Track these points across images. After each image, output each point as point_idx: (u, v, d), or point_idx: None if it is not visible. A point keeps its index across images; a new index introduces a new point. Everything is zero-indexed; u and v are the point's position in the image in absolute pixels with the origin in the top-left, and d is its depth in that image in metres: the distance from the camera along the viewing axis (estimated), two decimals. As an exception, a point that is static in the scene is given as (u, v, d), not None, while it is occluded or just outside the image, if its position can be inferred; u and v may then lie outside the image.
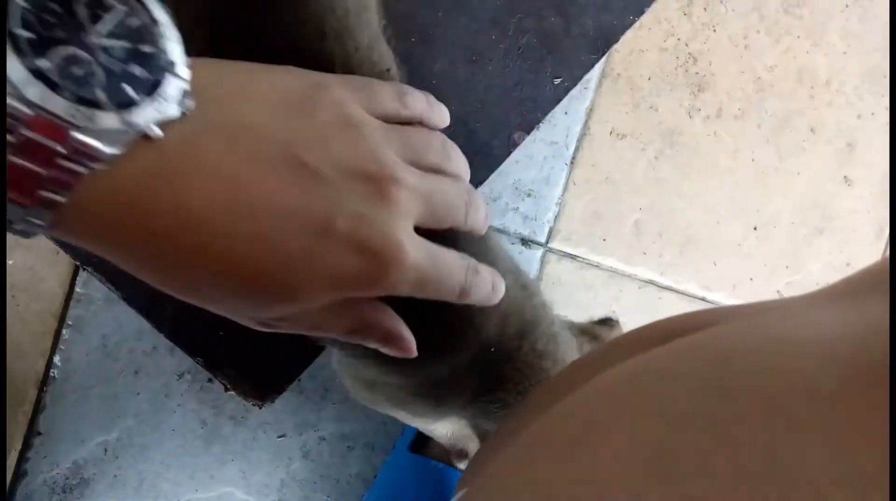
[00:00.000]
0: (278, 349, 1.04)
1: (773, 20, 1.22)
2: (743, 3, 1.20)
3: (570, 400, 0.41)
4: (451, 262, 0.44)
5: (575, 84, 1.13)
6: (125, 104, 0.31)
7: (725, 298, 1.26)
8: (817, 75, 1.24)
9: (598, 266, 1.22)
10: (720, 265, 1.25)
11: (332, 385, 1.12)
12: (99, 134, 0.30)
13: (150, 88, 0.32)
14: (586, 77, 1.17)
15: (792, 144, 1.25)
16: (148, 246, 0.34)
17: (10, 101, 0.28)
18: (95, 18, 0.31)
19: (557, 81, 1.12)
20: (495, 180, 1.18)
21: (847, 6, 1.23)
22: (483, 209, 0.49)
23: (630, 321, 1.18)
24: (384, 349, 0.46)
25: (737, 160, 1.24)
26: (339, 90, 0.40)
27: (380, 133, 0.41)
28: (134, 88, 0.32)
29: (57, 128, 0.29)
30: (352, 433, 1.13)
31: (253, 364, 1.03)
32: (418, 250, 0.39)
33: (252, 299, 0.37)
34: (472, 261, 0.47)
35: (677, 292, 1.24)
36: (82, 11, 0.30)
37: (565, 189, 1.21)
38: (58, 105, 0.29)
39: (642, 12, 1.13)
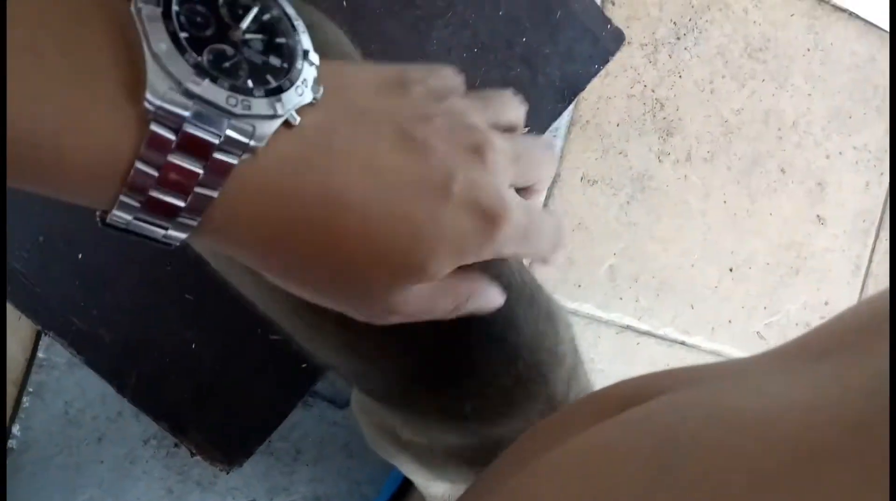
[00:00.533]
0: (247, 409, 1.02)
1: (737, 65, 1.25)
2: (707, 49, 1.23)
3: (521, 477, 0.40)
4: (544, 216, 0.47)
5: (543, 132, 1.14)
6: (273, 92, 0.33)
7: (704, 341, 1.26)
8: (784, 117, 1.27)
9: (574, 313, 1.21)
10: (698, 308, 1.25)
11: (305, 445, 1.10)
12: (249, 122, 0.32)
13: (288, 75, 0.35)
14: (555, 125, 1.18)
15: (763, 185, 1.27)
16: (293, 235, 0.36)
17: (171, 99, 0.30)
18: (236, 17, 0.34)
19: (526, 129, 1.13)
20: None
21: (809, 50, 1.26)
22: (555, 162, 0.53)
23: (609, 368, 1.17)
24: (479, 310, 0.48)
25: (709, 203, 1.25)
26: (414, 73, 0.44)
27: (466, 101, 0.44)
28: (275, 77, 0.34)
29: (214, 120, 0.31)
30: (326, 495, 1.10)
31: (220, 427, 1.01)
32: (519, 206, 0.42)
33: (385, 277, 0.38)
34: (559, 216, 0.53)
35: (656, 336, 1.24)
36: (225, 12, 0.34)
37: (538, 236, 1.21)
38: (219, 95, 0.31)
39: (607, 61, 1.15)
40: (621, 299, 1.22)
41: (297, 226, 0.35)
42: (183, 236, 0.34)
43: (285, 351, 0.97)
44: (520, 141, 0.47)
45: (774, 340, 1.27)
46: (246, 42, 0.34)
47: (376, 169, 0.37)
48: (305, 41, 0.36)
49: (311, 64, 0.36)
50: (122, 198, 0.31)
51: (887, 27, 1.28)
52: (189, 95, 0.31)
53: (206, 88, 0.31)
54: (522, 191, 0.49)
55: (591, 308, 1.21)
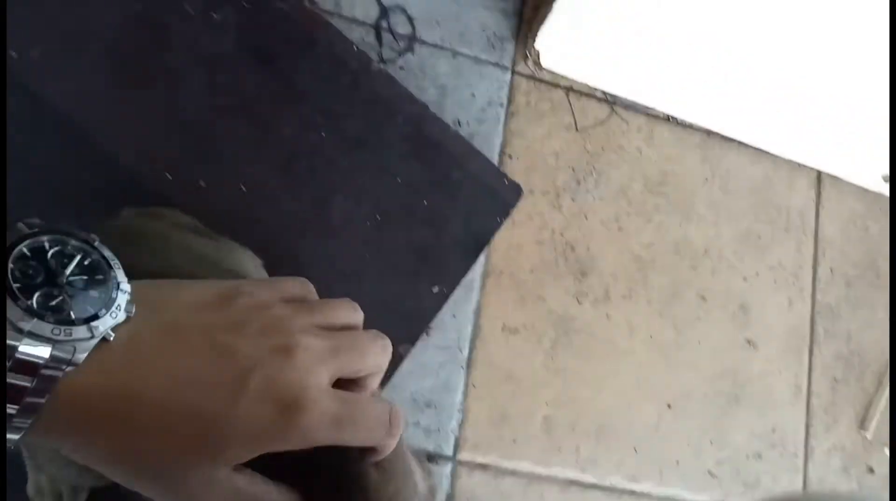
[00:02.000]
0: None
1: (640, 201, 1.31)
2: (608, 190, 1.30)
3: None
4: (367, 404, 0.54)
5: (453, 289, 1.17)
6: (91, 318, 0.44)
7: (654, 486, 1.23)
8: (694, 246, 1.32)
9: (513, 473, 1.18)
10: (641, 452, 1.23)
11: None
12: (71, 344, 0.42)
13: (107, 303, 0.45)
14: (468, 278, 1.22)
15: (686, 315, 1.30)
16: (103, 430, 0.44)
17: (8, 333, 0.40)
18: (62, 265, 0.46)
19: (436, 289, 1.16)
20: (390, 395, 1.17)
21: (707, 180, 1.34)
22: (390, 348, 0.63)
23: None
24: None
25: (634, 340, 1.27)
26: (249, 287, 0.53)
27: (287, 309, 0.53)
28: (94, 306, 0.45)
29: (41, 347, 0.41)
30: None
31: None
32: (329, 397, 0.49)
33: (180, 466, 0.45)
34: (392, 404, 0.60)
35: (603, 488, 1.21)
36: (53, 262, 0.45)
37: (466, 393, 1.21)
38: (44, 329, 0.42)
39: (508, 213, 1.21)
40: (560, 450, 1.20)
41: (106, 422, 0.44)
42: (16, 437, 0.42)
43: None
44: (343, 336, 0.56)
45: (728, 477, 1.25)
46: (70, 283, 0.45)
47: (177, 371, 0.45)
48: (119, 275, 0.48)
49: (124, 292, 0.47)
50: None
51: (776, 151, 1.37)
52: (20, 331, 0.41)
53: (34, 325, 0.41)
54: (352, 383, 0.56)
55: (529, 465, 1.19)
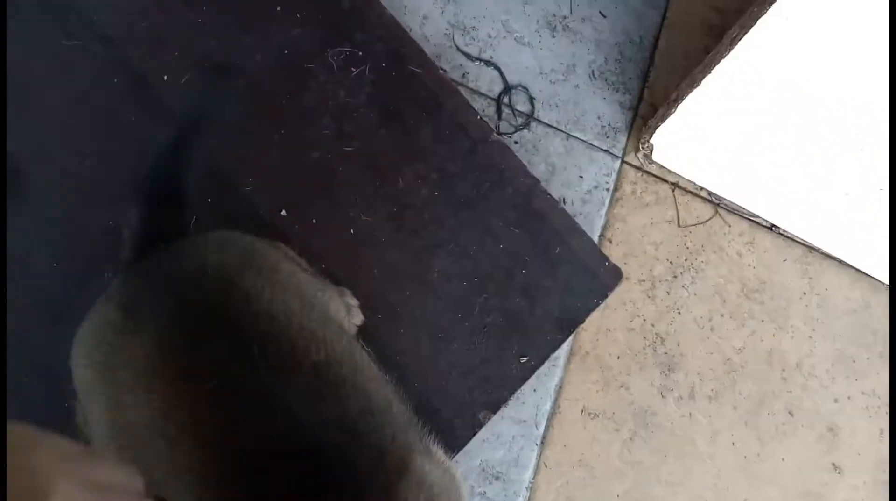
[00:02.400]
0: None
1: (735, 304, 1.29)
2: (704, 287, 1.29)
3: None
4: None
5: (542, 363, 1.16)
6: None
7: None
8: (786, 358, 1.28)
9: (575, 563, 1.13)
10: (711, 564, 1.17)
11: None
12: None
13: None
14: (554, 355, 1.20)
15: (771, 427, 1.25)
16: None
17: None
18: None
19: (524, 359, 1.16)
20: (461, 461, 1.15)
21: (805, 293, 1.32)
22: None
23: None
24: None
25: (716, 444, 1.23)
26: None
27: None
28: None
29: None
30: None
31: None
32: None
33: None
34: None
35: None
36: None
37: (536, 472, 1.17)
38: None
39: (606, 296, 1.20)
40: (627, 548, 1.15)
41: None
42: None
43: None
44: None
45: None
46: None
47: None
48: None
49: None
50: None
51: (878, 275, 1.34)
52: None
53: None
54: None
55: (593, 557, 1.14)
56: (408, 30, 1.27)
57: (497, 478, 1.17)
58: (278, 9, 1.18)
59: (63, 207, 1.04)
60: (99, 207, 1.06)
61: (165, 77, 1.12)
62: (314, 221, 1.15)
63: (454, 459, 1.15)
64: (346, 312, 1.12)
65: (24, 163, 1.04)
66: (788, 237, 1.36)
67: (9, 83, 1.07)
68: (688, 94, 1.21)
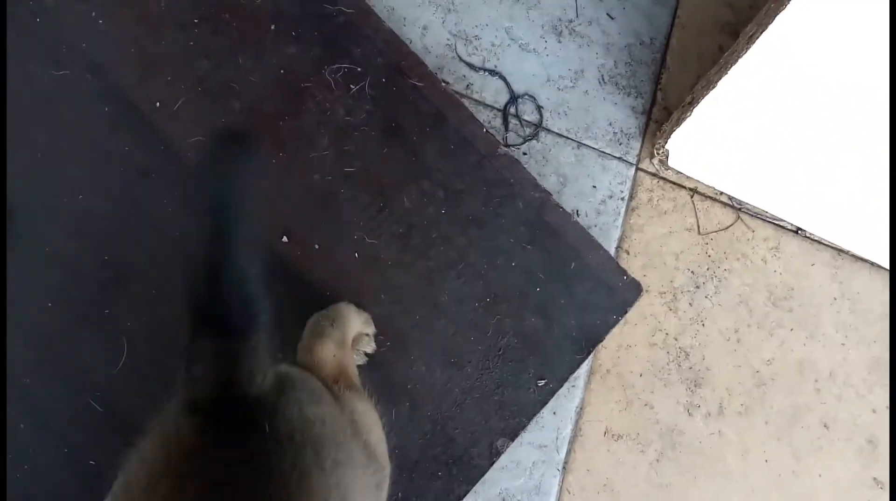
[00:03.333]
0: None
1: (762, 313, 1.22)
2: (729, 297, 1.21)
3: None
4: None
5: (561, 385, 1.10)
6: None
7: None
8: (819, 368, 1.21)
9: None
10: None
11: None
12: None
13: None
14: (574, 375, 1.14)
15: (806, 442, 1.17)
16: None
17: None
18: None
19: (542, 382, 1.09)
20: (479, 490, 1.09)
21: (836, 299, 1.24)
22: None
23: None
24: None
25: (748, 462, 1.15)
26: None
27: None
28: None
29: None
30: None
31: None
32: None
33: None
34: None
35: None
36: None
37: (559, 499, 1.11)
38: None
39: (625, 311, 1.14)
40: (658, 577, 1.08)
41: None
42: None
43: None
44: None
45: None
46: None
47: None
48: None
49: None
50: None
51: (914, 277, 1.26)
52: None
53: None
54: None
55: (623, 588, 1.07)
56: (407, 42, 1.21)
57: (519, 507, 1.10)
58: (272, 27, 1.13)
59: (56, 243, 1.00)
60: (93, 242, 1.01)
61: (158, 104, 1.07)
62: (317, 246, 1.09)
63: (473, 490, 1.08)
64: (360, 340, 1.05)
65: (17, 199, 1.00)
66: (816, 241, 1.28)
67: (-2, 118, 1.02)
68: (703, 96, 1.13)
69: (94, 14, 1.07)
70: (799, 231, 1.28)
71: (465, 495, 1.04)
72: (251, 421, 0.65)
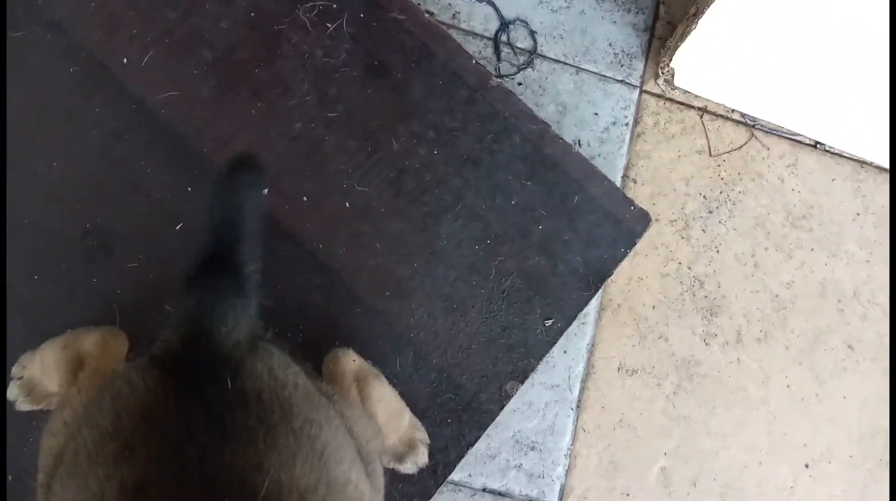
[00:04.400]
0: None
1: (780, 235, 1.14)
2: (743, 220, 1.14)
3: None
4: None
5: (569, 324, 1.05)
6: None
7: (787, 559, 1.05)
8: (842, 288, 1.14)
9: (624, 529, 1.04)
10: (773, 518, 1.06)
11: None
12: None
13: None
14: (583, 312, 1.08)
15: (830, 364, 1.11)
16: None
17: None
18: None
19: (550, 322, 1.04)
20: (492, 434, 1.05)
21: (858, 214, 1.16)
22: None
23: None
24: None
25: (769, 389, 1.10)
26: None
27: None
28: None
29: None
30: None
31: None
32: None
33: None
34: None
35: (726, 555, 1.04)
36: None
37: (574, 438, 1.07)
38: None
39: (634, 243, 1.07)
40: (679, 509, 1.05)
41: None
42: None
43: None
44: None
45: (875, 554, 1.06)
46: None
47: None
48: None
49: None
50: None
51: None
52: None
53: None
54: None
55: (643, 523, 1.04)
56: (386, -27, 1.12)
57: (532, 448, 1.07)
58: (240, -33, 1.04)
59: (35, 214, 0.95)
60: (74, 211, 0.96)
61: (125, 60, 1.00)
62: (305, 198, 1.03)
63: (485, 433, 1.04)
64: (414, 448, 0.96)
65: None
66: (836, 154, 1.19)
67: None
68: (709, 4, 1.03)
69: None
70: (817, 145, 1.19)
71: (476, 440, 1.00)
72: (215, 376, 0.62)
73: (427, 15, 1.11)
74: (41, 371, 0.85)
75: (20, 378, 0.87)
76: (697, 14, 1.07)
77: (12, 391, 0.86)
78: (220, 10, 1.03)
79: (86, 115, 0.97)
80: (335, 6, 1.05)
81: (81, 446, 0.60)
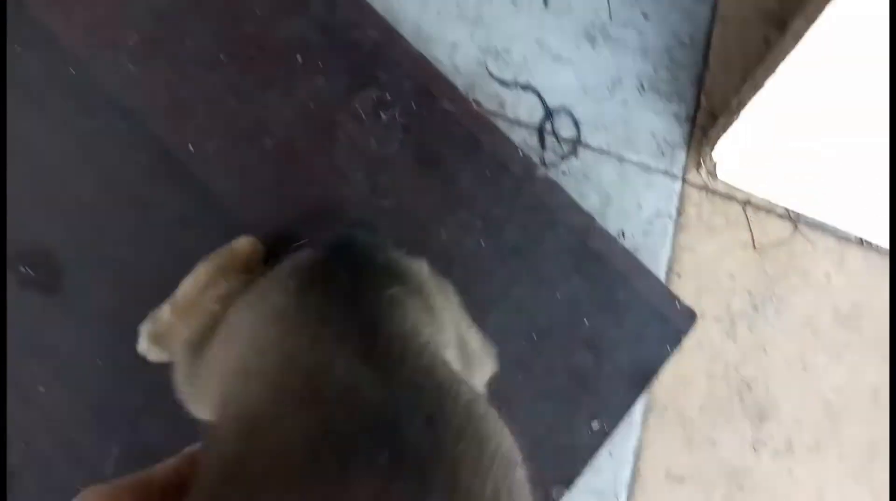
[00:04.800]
0: None
1: (828, 336, 1.10)
2: (790, 319, 1.10)
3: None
4: None
5: (615, 425, 0.99)
6: None
7: None
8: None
9: None
10: None
11: None
12: None
13: None
14: (628, 412, 1.03)
15: (885, 479, 1.05)
16: None
17: None
18: None
19: (595, 423, 0.99)
20: (534, 544, 0.98)
21: (909, 316, 1.11)
22: None
23: None
24: None
25: (823, 502, 1.04)
26: None
27: None
28: None
29: None
30: None
31: None
32: None
33: None
34: None
35: None
36: None
37: (620, 550, 1.00)
38: None
39: (679, 341, 1.03)
40: None
41: None
42: None
43: None
44: None
45: None
46: None
47: None
48: None
49: None
50: None
51: None
52: None
53: None
54: None
55: None
56: (436, 62, 1.11)
57: (576, 559, 1.00)
58: (299, 59, 1.03)
59: (103, 300, 0.93)
60: (140, 296, 0.93)
61: (191, 147, 0.98)
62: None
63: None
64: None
65: (61, 256, 0.94)
66: (884, 251, 1.16)
67: (36, 172, 0.98)
68: (750, 98, 1.02)
69: (125, 61, 1.01)
70: (863, 242, 1.16)
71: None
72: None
73: (475, 105, 1.10)
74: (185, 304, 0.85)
75: (150, 331, 0.88)
76: (739, 106, 1.06)
77: (142, 345, 0.88)
78: (282, 101, 1.02)
79: (153, 201, 0.98)
80: (388, 96, 1.04)
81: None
